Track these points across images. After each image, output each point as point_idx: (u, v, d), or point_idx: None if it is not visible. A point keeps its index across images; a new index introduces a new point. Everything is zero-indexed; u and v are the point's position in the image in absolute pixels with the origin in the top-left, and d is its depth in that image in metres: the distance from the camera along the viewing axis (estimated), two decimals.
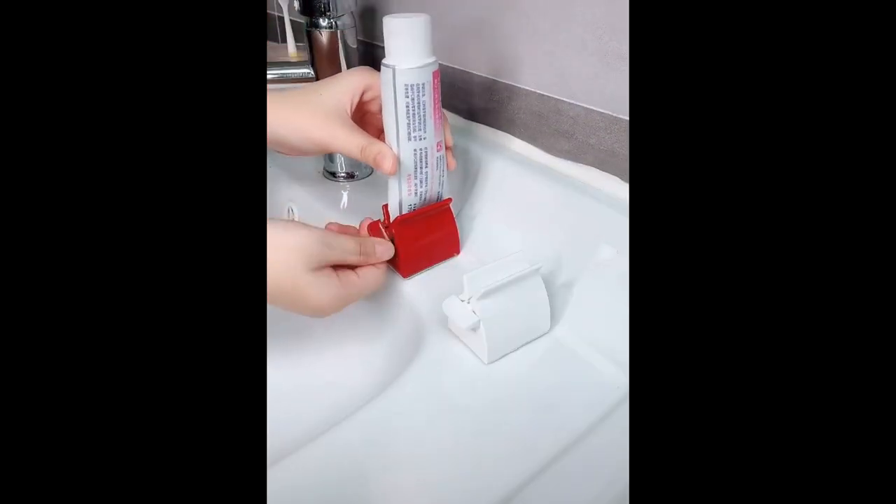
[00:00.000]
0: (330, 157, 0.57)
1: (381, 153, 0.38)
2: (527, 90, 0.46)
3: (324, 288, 0.35)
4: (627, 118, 0.40)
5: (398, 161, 0.40)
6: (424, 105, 0.38)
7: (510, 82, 0.48)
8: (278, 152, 0.42)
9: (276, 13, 0.73)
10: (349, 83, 0.41)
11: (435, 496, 0.28)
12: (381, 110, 0.41)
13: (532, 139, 0.48)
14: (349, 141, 0.39)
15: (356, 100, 0.41)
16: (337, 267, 0.37)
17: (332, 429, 0.31)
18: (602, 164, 0.43)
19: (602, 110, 0.41)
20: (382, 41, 0.37)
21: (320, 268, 0.36)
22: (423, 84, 0.38)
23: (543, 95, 0.45)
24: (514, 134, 0.49)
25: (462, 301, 0.35)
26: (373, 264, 0.40)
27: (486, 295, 0.34)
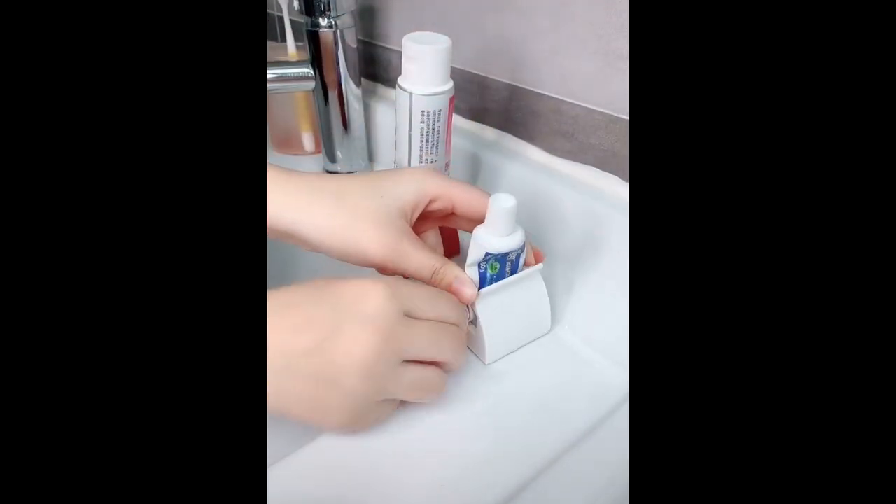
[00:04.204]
0: (330, 157, 0.57)
1: (459, 279, 0.32)
2: (527, 90, 0.46)
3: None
4: (628, 118, 0.40)
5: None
6: (439, 130, 0.39)
7: (510, 82, 0.47)
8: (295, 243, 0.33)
9: (276, 13, 0.73)
10: (418, 189, 0.33)
11: (435, 497, 0.28)
12: (438, 216, 0.36)
13: (532, 139, 0.48)
14: (419, 262, 0.32)
15: (420, 209, 0.34)
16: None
17: None
18: (602, 164, 0.43)
19: (602, 110, 0.41)
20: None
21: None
22: (440, 111, 0.38)
23: (543, 95, 0.45)
24: (514, 133, 0.49)
25: None
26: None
27: (486, 295, 0.34)
